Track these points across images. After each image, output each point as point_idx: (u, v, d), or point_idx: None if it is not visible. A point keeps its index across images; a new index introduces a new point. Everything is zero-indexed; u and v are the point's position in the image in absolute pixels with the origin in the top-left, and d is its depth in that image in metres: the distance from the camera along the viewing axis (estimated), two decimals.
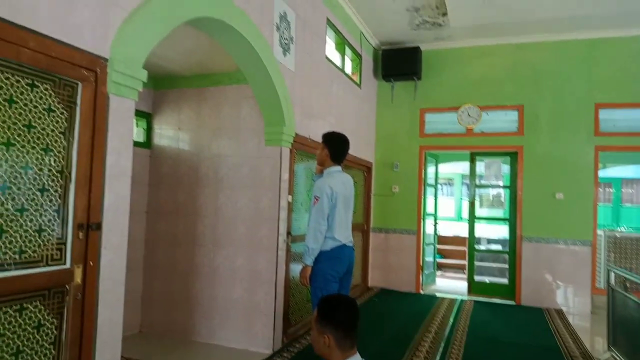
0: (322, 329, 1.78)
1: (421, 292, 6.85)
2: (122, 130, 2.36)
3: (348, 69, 6.20)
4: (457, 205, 10.95)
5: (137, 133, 4.57)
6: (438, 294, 6.77)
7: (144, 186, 4.52)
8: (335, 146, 3.30)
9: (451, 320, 5.29)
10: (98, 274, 2.23)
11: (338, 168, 3.32)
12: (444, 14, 5.79)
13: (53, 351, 2.03)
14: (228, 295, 4.16)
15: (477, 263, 6.99)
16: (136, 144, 4.40)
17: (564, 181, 6.20)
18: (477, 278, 6.90)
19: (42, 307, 1.97)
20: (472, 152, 6.85)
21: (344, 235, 3.26)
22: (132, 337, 4.25)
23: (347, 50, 6.09)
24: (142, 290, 4.50)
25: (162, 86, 4.61)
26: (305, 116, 4.58)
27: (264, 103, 3.98)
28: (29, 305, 1.91)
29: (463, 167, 9.77)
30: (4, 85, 1.81)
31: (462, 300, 6.38)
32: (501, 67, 6.58)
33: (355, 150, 6.04)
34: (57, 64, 2.00)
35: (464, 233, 7.78)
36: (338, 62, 5.76)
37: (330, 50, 5.58)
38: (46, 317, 1.99)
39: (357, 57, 6.40)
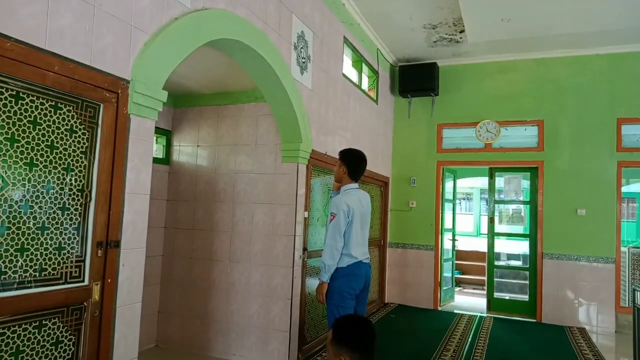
0: (337, 350, 1.76)
1: (439, 308, 6.75)
2: (142, 149, 2.42)
3: (365, 85, 6.23)
4: (475, 221, 10.80)
5: (157, 150, 4.66)
6: (456, 311, 6.66)
7: (162, 202, 4.60)
8: (353, 163, 3.31)
9: (470, 337, 5.20)
10: (116, 291, 2.26)
11: (355, 185, 3.32)
12: (462, 31, 5.79)
13: None
14: (244, 311, 4.17)
15: (496, 279, 6.86)
16: (156, 160, 4.48)
17: (586, 197, 6.07)
18: (496, 294, 6.77)
19: (60, 324, 2.01)
20: (491, 167, 6.77)
21: (361, 251, 3.25)
22: (148, 352, 4.28)
23: (364, 67, 6.13)
24: (159, 305, 4.54)
25: (182, 104, 4.70)
26: (322, 132, 4.61)
27: (281, 120, 4.03)
28: (48, 322, 1.95)
29: (482, 182, 9.67)
30: (29, 108, 1.87)
31: (481, 317, 6.26)
32: (521, 83, 6.53)
33: (372, 165, 6.04)
34: (80, 87, 2.07)
35: (483, 248, 7.66)
36: (355, 79, 5.79)
37: (347, 67, 5.63)
38: (64, 333, 2.03)
39: (374, 73, 6.43)
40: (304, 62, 4.18)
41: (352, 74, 5.80)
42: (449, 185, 7.40)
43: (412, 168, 7.02)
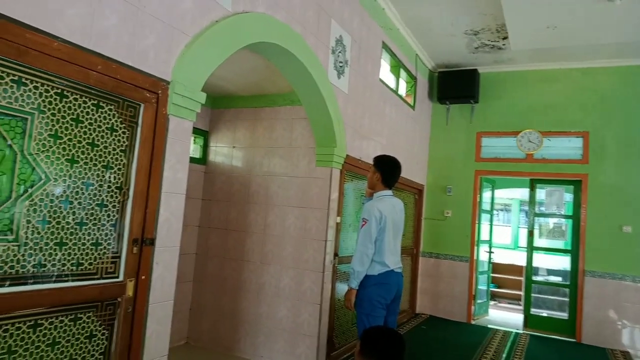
0: None
1: (472, 322, 6.55)
2: (180, 149, 2.46)
3: (402, 90, 6.15)
4: (514, 233, 10.46)
5: (194, 150, 4.75)
6: (491, 325, 6.45)
7: (197, 201, 4.67)
8: (387, 170, 3.26)
9: (504, 354, 5.02)
10: (149, 288, 2.30)
11: (389, 192, 3.27)
12: (505, 38, 5.63)
13: None
14: (273, 314, 4.17)
15: (534, 295, 6.60)
16: (193, 160, 4.57)
17: (633, 213, 5.76)
18: (533, 311, 6.52)
19: (95, 318, 2.05)
20: (532, 178, 6.54)
21: (393, 260, 3.19)
22: (178, 348, 4.35)
23: (402, 73, 6.05)
24: (191, 302, 4.61)
25: (220, 105, 4.77)
26: (357, 137, 4.58)
27: (317, 124, 4.02)
28: (83, 316, 2.00)
29: (521, 193, 9.35)
30: (72, 106, 1.93)
31: (516, 334, 6.04)
32: (565, 92, 6.28)
33: (406, 172, 5.95)
34: (122, 86, 2.12)
35: (521, 262, 7.40)
36: (392, 84, 5.73)
37: (385, 72, 5.57)
38: (98, 327, 2.07)
39: (412, 79, 6.34)
40: (341, 67, 4.16)
41: (390, 79, 5.74)
42: (486, 195, 7.20)
43: (448, 176, 6.87)
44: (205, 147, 4.80)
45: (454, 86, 6.61)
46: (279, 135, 4.39)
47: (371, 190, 3.34)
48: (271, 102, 4.47)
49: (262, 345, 4.19)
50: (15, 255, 1.74)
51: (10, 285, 1.72)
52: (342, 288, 4.31)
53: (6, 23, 1.64)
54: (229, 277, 4.43)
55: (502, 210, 11.00)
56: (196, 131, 4.66)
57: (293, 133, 4.32)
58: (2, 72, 1.68)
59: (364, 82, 4.73)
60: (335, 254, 4.18)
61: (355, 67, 4.49)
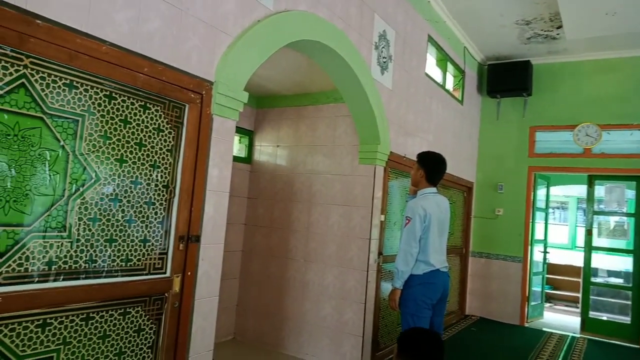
0: None
1: (526, 324, 6.29)
2: (223, 148, 2.50)
3: (449, 85, 5.98)
4: (571, 232, 9.94)
5: (240, 149, 4.83)
6: (545, 329, 6.16)
7: (243, 199, 4.75)
8: (431, 167, 3.18)
9: (560, 359, 4.77)
10: (195, 284, 2.36)
11: (433, 189, 3.18)
12: (559, 27, 5.34)
13: (150, 355, 2.17)
14: (317, 312, 4.17)
15: (592, 297, 6.23)
16: (238, 159, 4.65)
17: None
18: (592, 314, 6.16)
19: (143, 313, 2.13)
20: (590, 174, 6.18)
21: (438, 259, 3.10)
22: (225, 343, 4.45)
23: (449, 66, 5.89)
24: (238, 298, 4.69)
25: (264, 105, 4.82)
26: (401, 134, 4.49)
27: (360, 122, 3.97)
28: (132, 310, 2.08)
29: (579, 190, 8.87)
30: (120, 108, 2.00)
31: (573, 338, 5.74)
32: (626, 82, 5.88)
33: (454, 169, 5.79)
34: (168, 88, 2.17)
35: (579, 262, 7.02)
36: (439, 79, 5.58)
37: (431, 66, 5.43)
38: (146, 322, 2.14)
39: (460, 72, 6.15)
40: (384, 62, 4.10)
41: (436, 73, 5.59)
42: (541, 192, 6.88)
43: (499, 173, 6.61)
44: (250, 147, 4.87)
45: (505, 79, 6.35)
46: (322, 133, 4.38)
47: (415, 188, 3.26)
48: (314, 101, 4.47)
49: (306, 343, 4.21)
50: (68, 251, 1.83)
51: (64, 279, 1.81)
52: (386, 287, 4.25)
53: (58, 29, 1.72)
54: (273, 275, 4.48)
55: (558, 208, 10.48)
56: (241, 131, 4.74)
57: (336, 131, 4.30)
58: (55, 76, 1.76)
59: (409, 77, 4.63)
60: (380, 253, 4.12)
61: (400, 62, 4.40)
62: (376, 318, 4.11)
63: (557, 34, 5.58)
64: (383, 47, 4.06)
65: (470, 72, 6.46)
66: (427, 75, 5.09)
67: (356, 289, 3.98)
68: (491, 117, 6.75)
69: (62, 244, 1.80)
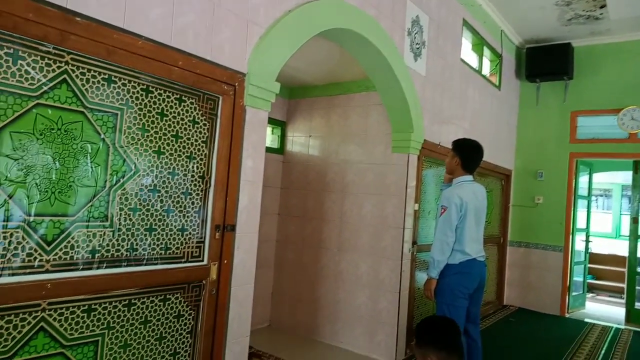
0: (423, 351, 1.71)
1: (567, 315, 6.11)
2: (256, 139, 2.53)
3: (486, 70, 5.82)
4: (615, 221, 9.55)
5: (273, 140, 4.87)
6: (587, 320, 5.97)
7: (276, 190, 4.80)
8: (467, 154, 3.11)
9: (603, 350, 4.63)
10: (231, 272, 2.41)
11: (469, 177, 3.12)
12: (602, 6, 5.09)
13: (190, 340, 2.24)
14: (351, 301, 4.19)
15: (638, 288, 5.99)
16: (271, 150, 4.69)
17: None
18: (638, 305, 5.92)
19: (182, 299, 2.20)
20: (636, 160, 5.90)
21: (475, 249, 3.05)
22: (261, 330, 4.54)
23: (485, 51, 5.72)
24: (273, 287, 4.77)
25: (296, 95, 4.84)
26: (435, 122, 4.41)
27: (392, 110, 3.93)
28: (171, 297, 2.15)
29: (624, 177, 8.49)
30: (157, 101, 2.06)
31: (617, 329, 5.54)
32: None
33: (491, 156, 5.65)
34: (202, 80, 2.22)
35: (623, 252, 6.75)
36: (474, 64, 5.44)
37: (466, 51, 5.29)
38: (185, 308, 2.21)
39: (497, 57, 5.97)
40: (417, 48, 4.02)
41: (472, 58, 5.45)
42: (583, 180, 6.63)
43: (539, 160, 6.41)
44: (282, 137, 4.90)
45: (545, 62, 6.11)
46: (354, 122, 4.36)
47: (450, 176, 3.20)
48: (346, 90, 4.45)
49: (341, 331, 4.24)
50: (110, 240, 1.90)
51: (107, 267, 1.89)
52: (421, 277, 4.22)
53: (97, 26, 1.78)
54: (307, 264, 4.52)
55: (601, 196, 10.08)
56: (274, 122, 4.77)
57: (368, 120, 4.27)
58: (95, 71, 1.82)
59: (443, 63, 4.53)
60: (414, 242, 4.09)
61: (433, 48, 4.31)
62: (411, 307, 4.09)
63: (600, 14, 5.32)
64: (416, 33, 3.99)
65: (508, 56, 6.25)
66: (462, 60, 4.97)
67: (390, 278, 3.96)
68: (530, 102, 6.53)
69: (104, 233, 1.88)
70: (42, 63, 1.67)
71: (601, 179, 8.69)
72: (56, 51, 1.70)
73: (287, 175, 4.82)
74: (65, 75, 1.74)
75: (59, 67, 1.72)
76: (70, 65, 1.75)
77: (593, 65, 6.07)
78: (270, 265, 4.76)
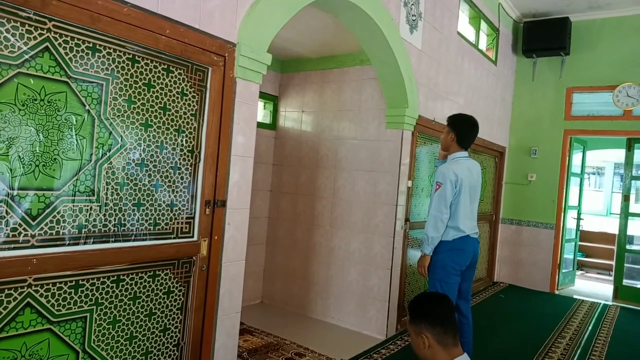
0: (417, 328, 1.69)
1: (556, 292, 6.19)
2: (247, 112, 2.46)
3: (483, 44, 5.72)
4: (606, 199, 9.63)
5: (264, 115, 4.79)
6: (576, 296, 6.06)
7: (268, 166, 4.75)
8: (462, 130, 3.06)
9: (590, 326, 4.70)
10: (222, 248, 2.38)
11: (464, 154, 3.08)
12: None
13: (180, 316, 2.23)
14: (343, 277, 4.20)
15: (627, 265, 6.06)
16: (263, 125, 4.62)
17: None
18: (626, 282, 6.01)
19: (172, 275, 2.17)
20: (630, 137, 5.89)
21: (469, 225, 3.03)
22: (253, 307, 4.55)
23: (482, 24, 5.61)
24: (265, 263, 4.77)
25: (288, 69, 4.73)
26: (430, 97, 4.35)
27: (387, 84, 3.86)
28: (161, 273, 2.12)
29: (617, 154, 8.52)
30: (143, 71, 1.98)
31: (605, 305, 5.63)
32: None
33: (486, 133, 5.61)
34: (190, 50, 2.13)
35: (613, 230, 6.81)
36: (471, 38, 5.34)
37: (463, 24, 5.19)
38: (175, 284, 2.18)
39: (494, 31, 5.87)
40: (414, 20, 3.92)
41: (469, 32, 5.35)
42: (577, 157, 6.62)
43: (533, 137, 6.38)
44: (275, 113, 4.82)
45: (542, 37, 6.02)
46: (348, 97, 4.29)
47: (445, 152, 3.16)
48: (340, 63, 4.35)
49: (332, 307, 4.26)
50: (97, 215, 1.85)
51: (94, 242, 1.84)
52: (413, 254, 4.22)
53: None
54: (299, 240, 4.51)
55: (594, 174, 10.14)
56: (266, 96, 4.68)
57: (362, 95, 4.19)
58: (78, 39, 1.74)
59: (440, 36, 4.44)
60: (407, 220, 4.07)
61: (430, 20, 4.21)
62: (402, 284, 4.11)
63: None
64: (412, 4, 3.88)
65: (505, 31, 6.15)
66: (459, 34, 4.87)
67: (382, 255, 3.96)
68: (526, 78, 6.46)
69: (91, 207, 1.83)
70: (22, 30, 1.59)
71: (595, 157, 8.71)
72: (37, 17, 1.62)
73: (279, 152, 4.76)
74: (47, 43, 1.66)
75: (40, 35, 1.64)
76: (52, 32, 1.67)
77: (590, 41, 5.99)
78: (262, 242, 4.74)
